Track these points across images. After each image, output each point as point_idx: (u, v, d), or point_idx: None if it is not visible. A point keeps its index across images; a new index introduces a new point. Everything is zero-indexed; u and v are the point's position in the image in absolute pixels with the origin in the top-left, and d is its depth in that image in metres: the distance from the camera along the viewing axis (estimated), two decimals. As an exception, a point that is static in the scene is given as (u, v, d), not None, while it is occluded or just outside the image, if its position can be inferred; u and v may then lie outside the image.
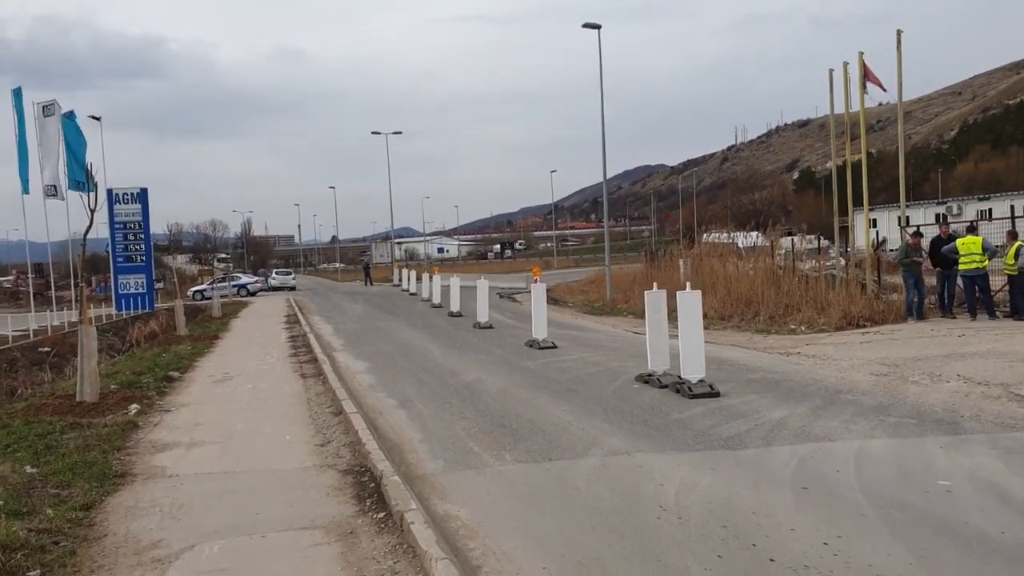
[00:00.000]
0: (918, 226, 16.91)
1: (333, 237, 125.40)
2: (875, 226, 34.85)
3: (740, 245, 23.36)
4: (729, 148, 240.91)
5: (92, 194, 10.35)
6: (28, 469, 6.25)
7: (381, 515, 5.06)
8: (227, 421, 8.44)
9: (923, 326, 13.42)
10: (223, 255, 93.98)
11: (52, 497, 5.57)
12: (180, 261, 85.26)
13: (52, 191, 25.12)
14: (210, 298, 34.87)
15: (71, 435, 7.54)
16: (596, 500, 5.21)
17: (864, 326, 14.06)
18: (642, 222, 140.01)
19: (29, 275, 40.49)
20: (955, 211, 52.94)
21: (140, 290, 30.42)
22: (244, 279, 47.98)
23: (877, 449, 6.24)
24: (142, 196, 30.75)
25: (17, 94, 25.51)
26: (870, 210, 20.60)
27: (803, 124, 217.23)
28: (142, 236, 30.70)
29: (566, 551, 4.34)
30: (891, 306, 15.03)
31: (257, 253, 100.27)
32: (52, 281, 32.40)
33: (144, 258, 30.73)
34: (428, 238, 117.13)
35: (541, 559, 4.24)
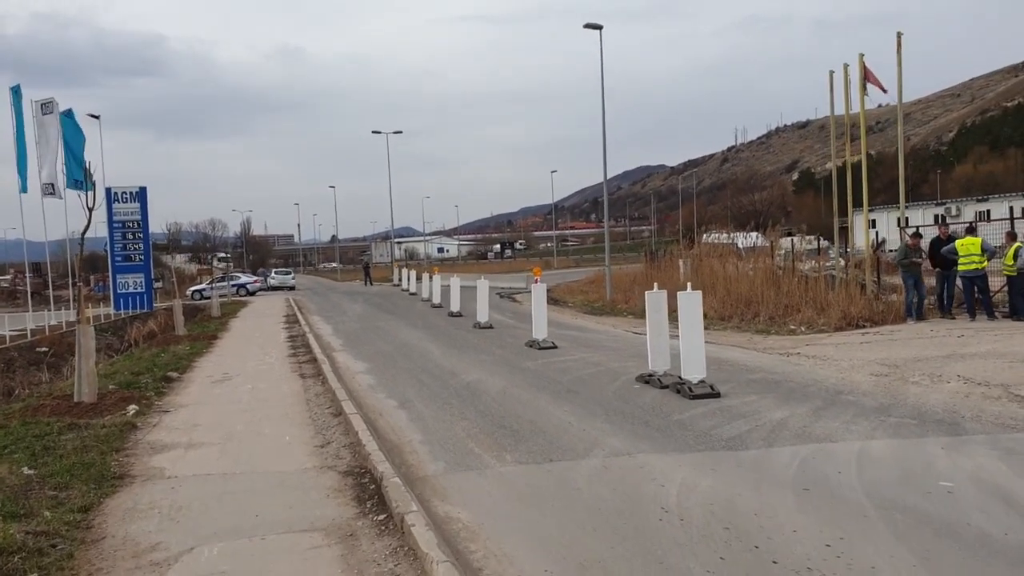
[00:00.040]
0: (917, 227, 16.90)
1: (333, 236, 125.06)
2: (874, 227, 34.84)
3: (740, 246, 23.36)
4: (729, 149, 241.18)
5: (90, 193, 10.34)
6: (25, 471, 6.22)
7: (382, 517, 5.03)
8: (226, 422, 8.41)
9: (923, 327, 13.42)
10: (223, 254, 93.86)
11: (50, 499, 5.54)
12: (179, 260, 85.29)
13: (50, 190, 25.10)
14: (209, 298, 34.84)
15: (69, 436, 7.51)
16: (597, 501, 5.19)
17: (864, 327, 14.05)
18: (642, 222, 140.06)
19: (27, 274, 40.49)
20: (954, 212, 53.03)
21: (139, 289, 30.37)
22: (243, 279, 47.95)
23: (878, 450, 6.23)
24: (141, 195, 30.70)
25: (16, 92, 25.49)
26: (869, 211, 20.59)
27: (803, 125, 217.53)
28: (141, 235, 30.65)
29: (568, 553, 4.32)
30: (890, 307, 15.03)
31: (256, 252, 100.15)
32: (50, 280, 32.28)
33: (143, 257, 30.68)
34: (428, 238, 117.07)
35: (543, 561, 4.21)
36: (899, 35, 16.01)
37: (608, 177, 27.16)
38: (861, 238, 21.19)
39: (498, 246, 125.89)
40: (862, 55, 16.33)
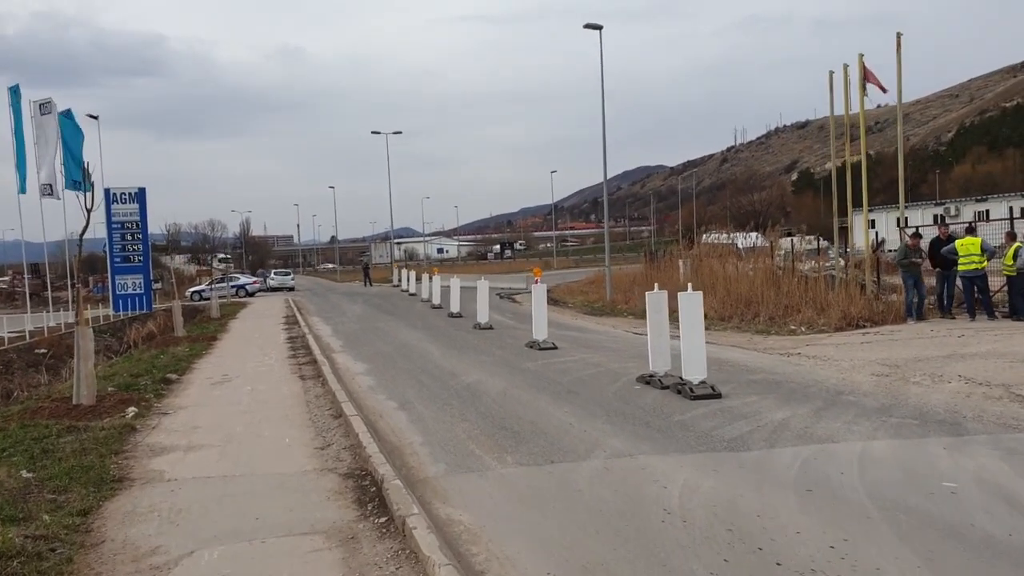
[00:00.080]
0: (917, 227, 16.90)
1: (332, 237, 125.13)
2: (874, 227, 34.82)
3: (740, 246, 23.33)
4: (728, 149, 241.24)
5: (89, 193, 10.33)
6: (24, 474, 6.19)
7: (382, 520, 5.01)
8: (226, 424, 8.38)
9: (923, 327, 13.40)
10: (223, 255, 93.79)
11: (48, 502, 5.51)
12: (178, 261, 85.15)
13: (48, 190, 25.06)
14: (208, 299, 34.82)
15: (68, 439, 7.48)
16: (599, 503, 5.17)
17: (864, 327, 14.04)
18: (642, 223, 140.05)
19: (25, 275, 40.48)
20: (953, 212, 53.05)
21: (138, 291, 30.31)
22: (242, 279, 47.92)
23: (880, 451, 6.21)
24: (140, 196, 30.64)
25: (14, 92, 25.43)
26: (869, 211, 20.58)
27: (802, 125, 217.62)
28: (140, 236, 30.58)
29: (570, 555, 4.30)
30: (891, 307, 15.02)
31: (256, 253, 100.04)
32: (48, 282, 32.19)
33: (142, 258, 30.61)
34: (428, 238, 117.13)
35: (545, 564, 4.19)
36: (899, 35, 16.03)
37: (608, 177, 27.16)
38: (861, 238, 21.18)
39: (498, 246, 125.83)
40: (862, 55, 16.34)
